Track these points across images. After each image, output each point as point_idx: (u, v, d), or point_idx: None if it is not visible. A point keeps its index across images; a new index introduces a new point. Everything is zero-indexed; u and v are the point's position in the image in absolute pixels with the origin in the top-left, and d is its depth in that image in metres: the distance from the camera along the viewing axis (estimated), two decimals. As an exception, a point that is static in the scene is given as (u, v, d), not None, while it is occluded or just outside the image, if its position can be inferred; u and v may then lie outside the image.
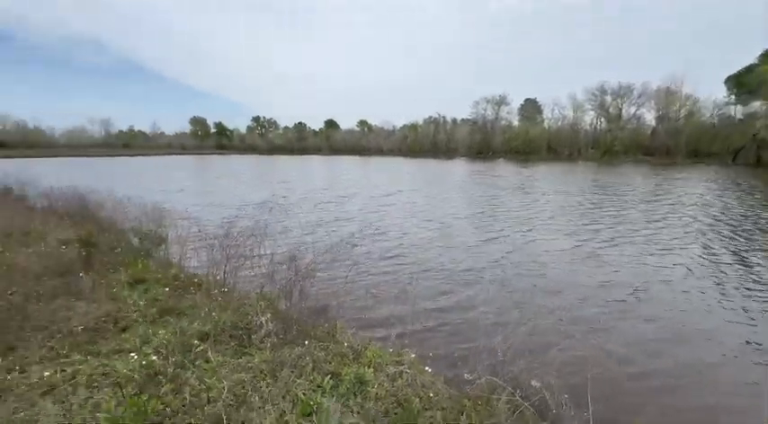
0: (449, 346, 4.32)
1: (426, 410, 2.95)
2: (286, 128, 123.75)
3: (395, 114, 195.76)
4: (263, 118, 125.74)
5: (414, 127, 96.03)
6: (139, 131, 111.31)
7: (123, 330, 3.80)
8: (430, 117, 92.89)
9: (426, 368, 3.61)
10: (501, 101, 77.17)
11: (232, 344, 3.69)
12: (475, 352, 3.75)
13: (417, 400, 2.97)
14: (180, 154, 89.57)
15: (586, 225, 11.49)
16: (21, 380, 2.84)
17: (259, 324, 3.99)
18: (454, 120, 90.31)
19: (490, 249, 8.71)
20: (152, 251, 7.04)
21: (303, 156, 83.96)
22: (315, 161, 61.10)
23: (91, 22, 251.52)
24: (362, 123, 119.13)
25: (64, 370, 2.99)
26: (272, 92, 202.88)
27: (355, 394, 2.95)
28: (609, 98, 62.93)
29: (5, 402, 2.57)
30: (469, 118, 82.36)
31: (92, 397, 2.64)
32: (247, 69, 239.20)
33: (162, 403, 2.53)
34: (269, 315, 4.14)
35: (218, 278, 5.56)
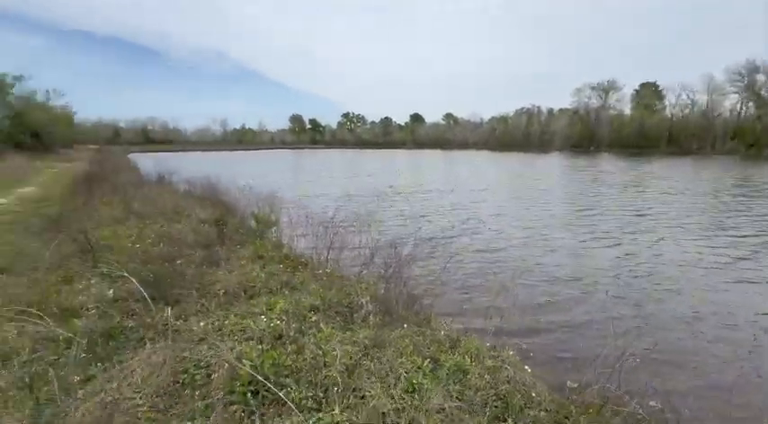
0: (551, 350, 4.09)
1: (528, 408, 2.87)
2: (373, 123, 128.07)
3: (483, 106, 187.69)
4: (352, 114, 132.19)
5: (503, 118, 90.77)
6: (249, 129, 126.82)
7: (251, 297, 4.48)
8: (522, 107, 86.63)
9: (526, 368, 3.49)
10: (610, 87, 68.07)
11: (338, 319, 4.06)
12: (582, 360, 3.50)
13: (519, 396, 2.91)
14: (280, 148, 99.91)
15: (726, 231, 9.58)
16: (184, 326, 3.58)
17: (360, 304, 4.31)
18: (551, 111, 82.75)
19: (598, 253, 7.88)
20: (265, 232, 8.07)
21: (388, 150, 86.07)
22: (399, 155, 62.16)
23: (215, 36, 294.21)
24: (448, 116, 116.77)
25: (212, 323, 3.68)
26: (361, 88, 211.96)
27: (454, 382, 3.02)
28: (762, 77, 50.67)
29: (177, 342, 3.28)
30: (569, 107, 74.46)
31: (235, 347, 3.21)
32: (341, 68, 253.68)
33: (289, 361, 2.94)
34: (368, 297, 4.44)
35: (321, 259, 6.14)
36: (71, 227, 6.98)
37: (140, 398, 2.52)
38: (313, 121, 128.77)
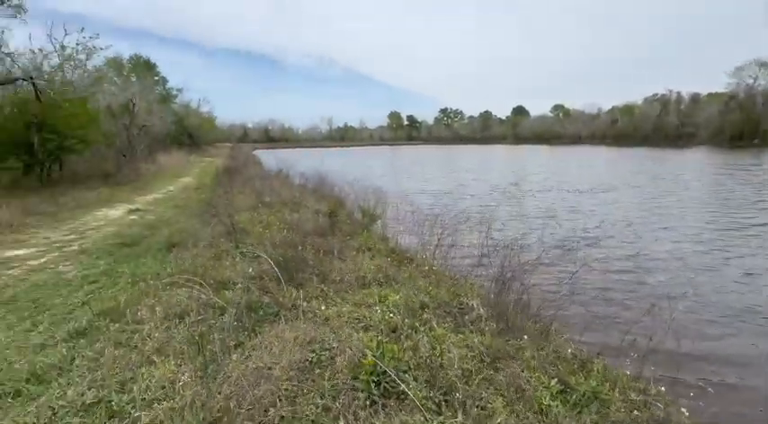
0: (719, 399, 3.28)
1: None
2: (471, 117, 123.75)
3: (602, 96, 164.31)
4: (450, 109, 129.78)
5: (628, 108, 78.20)
6: (351, 126, 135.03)
7: (362, 286, 4.68)
8: (654, 94, 73.24)
9: (683, 410, 2.86)
10: (789, 63, 52.50)
11: (448, 320, 3.95)
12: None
13: (678, 445, 2.38)
14: (378, 144, 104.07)
15: None
16: (308, 308, 3.92)
17: (470, 306, 4.12)
18: (695, 97, 67.96)
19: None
20: (371, 225, 8.41)
21: (486, 146, 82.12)
22: (500, 150, 58.76)
23: (325, 44, 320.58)
24: (557, 108, 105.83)
25: (331, 308, 3.95)
26: (459, 84, 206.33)
27: (591, 411, 2.63)
28: None
29: (304, 322, 3.60)
30: (725, 91, 59.88)
31: (353, 334, 3.38)
32: (440, 64, 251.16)
33: (406, 356, 2.95)
34: (479, 300, 4.21)
35: (425, 256, 6.11)
36: (219, 212, 8.37)
37: (278, 369, 2.81)
38: (410, 118, 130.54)
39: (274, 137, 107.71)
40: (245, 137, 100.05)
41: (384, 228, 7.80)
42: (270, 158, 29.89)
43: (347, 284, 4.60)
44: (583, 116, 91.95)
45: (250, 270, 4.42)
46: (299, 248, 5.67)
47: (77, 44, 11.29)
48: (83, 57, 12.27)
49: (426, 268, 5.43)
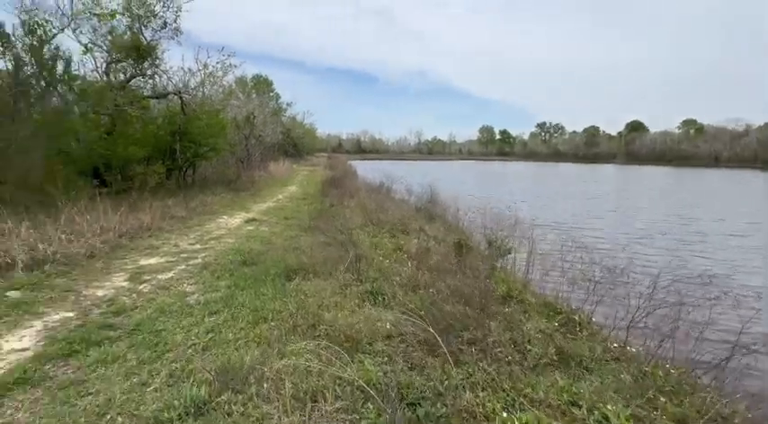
0: None
1: None
2: (573, 132, 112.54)
3: (745, 110, 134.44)
4: (549, 123, 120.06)
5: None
6: (439, 140, 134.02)
7: (533, 368, 3.34)
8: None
9: None
10: None
11: None
12: None
13: None
14: (466, 159, 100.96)
15: None
16: (477, 406, 2.75)
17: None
18: None
19: None
20: (499, 260, 7.00)
21: (591, 165, 73.16)
22: (612, 171, 51.44)
23: (419, 58, 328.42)
24: (688, 123, 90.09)
25: (513, 413, 2.73)
26: (560, 97, 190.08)
27: None
28: None
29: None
30: None
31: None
32: (537, 76, 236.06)
33: None
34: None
35: (584, 315, 4.51)
36: (330, 227, 7.88)
37: None
38: (503, 132, 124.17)
39: (365, 148, 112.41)
40: (340, 148, 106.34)
41: (516, 265, 6.32)
42: (364, 168, 30.34)
43: (511, 361, 3.32)
44: (723, 133, 76.09)
45: (387, 326, 3.45)
46: (432, 291, 4.61)
47: (217, 62, 12.33)
48: (220, 74, 13.41)
49: (615, 346, 3.84)
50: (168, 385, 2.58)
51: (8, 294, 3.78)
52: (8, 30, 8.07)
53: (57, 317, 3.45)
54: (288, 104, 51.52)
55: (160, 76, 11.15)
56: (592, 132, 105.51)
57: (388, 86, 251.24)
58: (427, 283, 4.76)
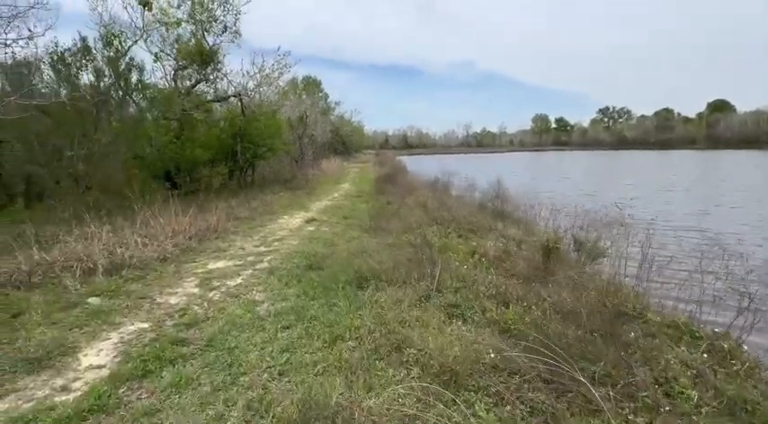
0: None
1: None
2: (642, 117, 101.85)
3: None
4: (612, 108, 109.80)
5: None
6: (488, 132, 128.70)
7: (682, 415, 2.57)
8: None
9: None
10: None
11: None
12: None
13: None
14: (518, 150, 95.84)
15: None
16: None
17: None
18: None
19: None
20: (587, 263, 6.04)
21: (664, 152, 65.63)
22: (689, 157, 45.50)
23: (465, 48, 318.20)
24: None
25: None
26: (628, 78, 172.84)
27: None
28: None
29: None
30: None
31: None
32: (596, 60, 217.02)
33: None
34: None
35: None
36: (392, 227, 7.42)
37: None
38: (560, 120, 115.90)
39: (412, 143, 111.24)
40: (386, 144, 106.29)
41: (612, 270, 5.33)
42: (412, 164, 29.68)
43: (663, 410, 2.55)
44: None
45: (490, 353, 2.84)
46: (527, 306, 3.90)
47: (274, 63, 12.42)
48: (275, 75, 13.52)
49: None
50: (246, 422, 2.22)
51: (89, 300, 3.76)
52: (89, 44, 8.60)
53: (132, 328, 3.32)
54: (336, 103, 52.33)
55: (221, 80, 11.44)
56: (665, 115, 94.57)
57: (434, 79, 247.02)
58: (519, 295, 4.06)
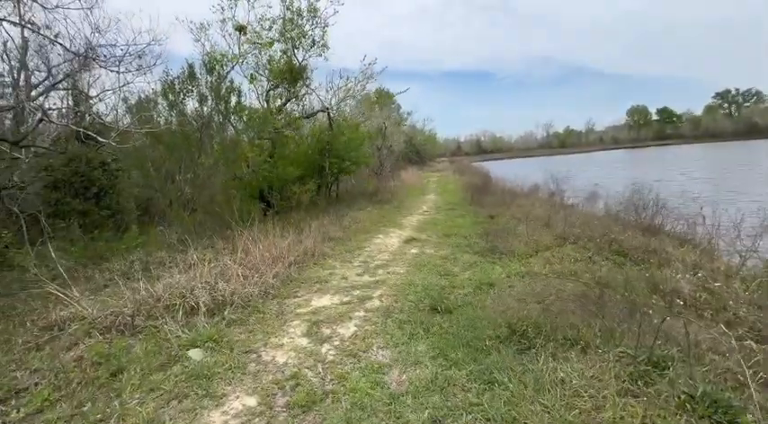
0: None
1: None
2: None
3: None
4: (736, 90, 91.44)
5: None
6: (572, 130, 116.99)
7: None
8: None
9: None
10: None
11: None
12: None
13: None
14: (610, 149, 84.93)
15: None
16: None
17: None
18: None
19: None
20: None
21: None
22: None
23: (541, 44, 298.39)
24: None
25: None
26: (749, 51, 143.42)
27: None
28: None
29: None
30: None
31: None
32: (707, 35, 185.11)
33: None
34: None
35: None
36: (510, 246, 6.05)
37: None
38: (663, 110, 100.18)
39: (486, 148, 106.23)
40: (459, 150, 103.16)
41: None
42: (495, 170, 27.42)
43: None
44: None
45: None
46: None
47: (361, 72, 11.99)
48: (359, 88, 13.08)
49: None
50: None
51: (189, 354, 3.16)
52: (195, 70, 8.95)
53: (238, 406, 2.55)
54: (408, 113, 51.97)
55: (309, 95, 11.30)
56: (816, 92, 75.36)
57: (507, 80, 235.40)
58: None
